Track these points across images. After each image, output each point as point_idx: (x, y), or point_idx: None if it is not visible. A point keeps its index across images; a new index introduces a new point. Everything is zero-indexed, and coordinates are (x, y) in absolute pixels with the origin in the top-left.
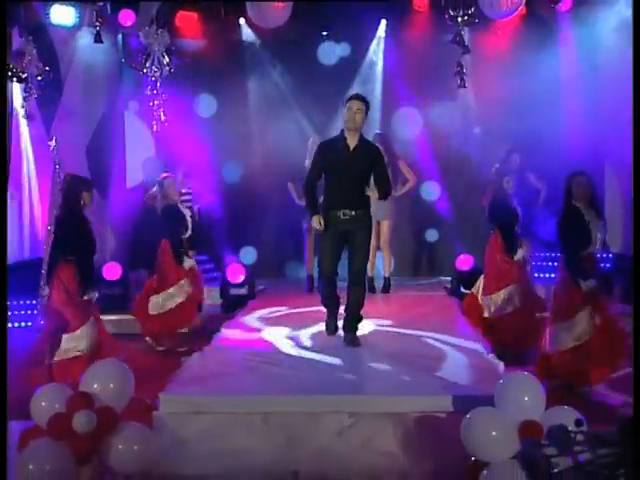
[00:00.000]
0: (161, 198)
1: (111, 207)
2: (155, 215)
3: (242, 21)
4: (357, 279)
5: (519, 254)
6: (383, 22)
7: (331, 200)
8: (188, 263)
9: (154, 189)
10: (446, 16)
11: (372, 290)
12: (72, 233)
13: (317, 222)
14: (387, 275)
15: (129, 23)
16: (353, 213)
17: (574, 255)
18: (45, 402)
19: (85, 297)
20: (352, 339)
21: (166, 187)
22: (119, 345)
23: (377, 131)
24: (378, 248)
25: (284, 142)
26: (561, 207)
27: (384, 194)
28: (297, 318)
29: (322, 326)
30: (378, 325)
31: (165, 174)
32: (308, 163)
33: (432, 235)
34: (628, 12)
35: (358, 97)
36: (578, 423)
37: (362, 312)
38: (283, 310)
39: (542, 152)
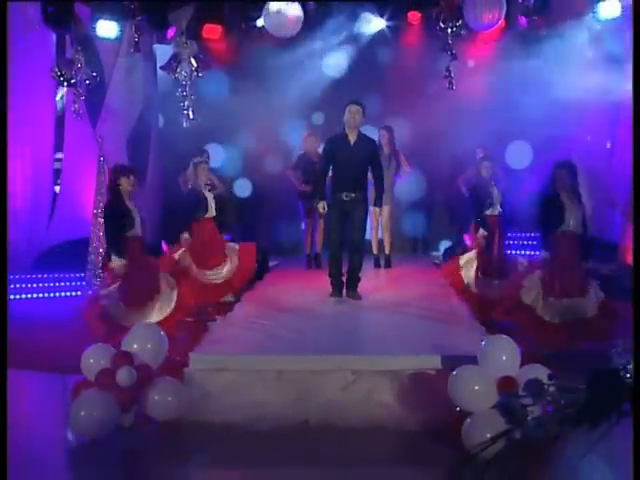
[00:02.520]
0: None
1: (148, 193)
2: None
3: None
4: (356, 247)
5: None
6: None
7: (336, 185)
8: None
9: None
10: (437, 28)
11: (377, 265)
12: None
13: (321, 207)
14: (387, 252)
15: (172, 34)
16: (353, 195)
17: (548, 233)
18: (93, 359)
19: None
20: (354, 294)
21: (198, 172)
22: None
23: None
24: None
25: (292, 138)
26: (544, 193)
27: (379, 181)
28: (305, 288)
29: (326, 296)
30: (378, 293)
31: (198, 159)
32: (302, 153)
33: (423, 219)
34: (597, 26)
35: (356, 102)
36: (550, 377)
37: (364, 282)
38: (293, 282)
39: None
